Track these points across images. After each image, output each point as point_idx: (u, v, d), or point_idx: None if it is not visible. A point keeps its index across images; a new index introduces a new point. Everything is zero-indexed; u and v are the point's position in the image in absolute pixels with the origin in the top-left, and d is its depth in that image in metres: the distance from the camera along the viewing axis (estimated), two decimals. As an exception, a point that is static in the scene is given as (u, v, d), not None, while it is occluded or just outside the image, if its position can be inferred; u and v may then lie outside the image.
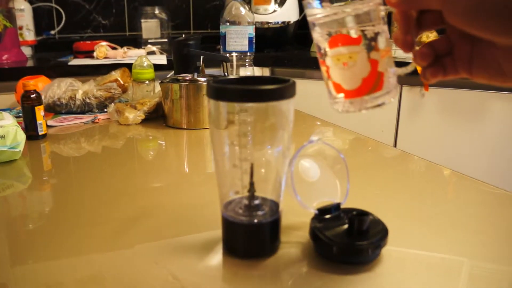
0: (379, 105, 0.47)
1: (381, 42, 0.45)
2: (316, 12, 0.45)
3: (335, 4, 0.44)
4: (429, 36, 1.91)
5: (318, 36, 0.46)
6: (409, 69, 0.49)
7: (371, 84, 0.45)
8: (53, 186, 0.78)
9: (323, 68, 0.48)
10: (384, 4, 0.44)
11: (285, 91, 0.45)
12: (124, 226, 0.60)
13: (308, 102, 1.72)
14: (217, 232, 0.55)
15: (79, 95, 1.21)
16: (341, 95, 0.47)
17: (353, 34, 0.44)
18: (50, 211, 0.69)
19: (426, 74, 0.45)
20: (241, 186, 0.48)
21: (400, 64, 0.50)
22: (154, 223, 0.61)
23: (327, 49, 0.46)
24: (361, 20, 0.44)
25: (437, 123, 1.67)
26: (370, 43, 0.45)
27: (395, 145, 1.74)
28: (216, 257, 0.52)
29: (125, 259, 0.52)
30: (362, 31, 0.44)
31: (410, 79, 1.67)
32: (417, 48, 0.46)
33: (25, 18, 1.98)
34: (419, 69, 0.47)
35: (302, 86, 1.92)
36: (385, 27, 0.46)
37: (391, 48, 0.48)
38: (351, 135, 1.07)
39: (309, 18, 0.47)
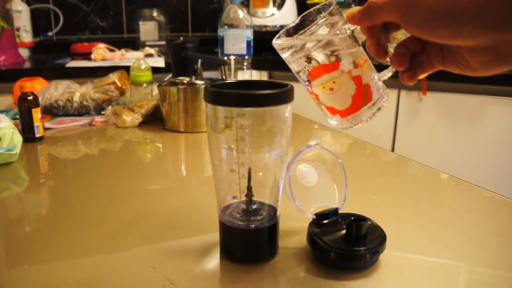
0: (376, 112, 0.48)
1: (357, 57, 0.46)
2: (285, 54, 0.46)
3: (299, 38, 0.45)
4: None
5: (297, 71, 0.47)
6: (390, 73, 0.50)
7: (361, 98, 0.47)
8: (50, 188, 0.78)
9: (312, 96, 0.49)
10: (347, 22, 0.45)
11: (283, 96, 0.45)
12: (121, 229, 0.60)
13: (305, 105, 1.72)
14: (214, 236, 0.54)
15: (76, 98, 1.21)
16: (337, 116, 0.48)
17: (328, 61, 0.45)
18: (46, 213, 0.68)
19: (404, 77, 0.47)
20: (238, 191, 0.48)
21: (381, 68, 0.51)
22: (151, 227, 0.61)
23: (310, 82, 0.47)
24: (330, 47, 0.45)
25: (435, 128, 1.68)
26: (347, 63, 0.46)
27: (393, 150, 1.75)
28: (213, 262, 0.52)
29: (122, 262, 0.52)
30: (336, 56, 0.45)
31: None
32: (392, 50, 0.46)
33: (22, 19, 1.98)
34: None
35: (300, 89, 1.92)
36: (356, 43, 0.47)
37: (367, 58, 0.49)
38: (349, 139, 1.07)
39: (283, 58, 0.48)
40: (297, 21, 0.47)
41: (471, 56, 0.40)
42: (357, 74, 0.45)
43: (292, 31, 0.47)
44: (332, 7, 0.45)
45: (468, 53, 0.40)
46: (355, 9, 0.44)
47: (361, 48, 0.48)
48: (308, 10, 0.49)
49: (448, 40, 0.38)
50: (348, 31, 0.46)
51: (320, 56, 0.45)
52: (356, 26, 0.45)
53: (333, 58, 0.45)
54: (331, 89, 0.46)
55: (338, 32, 0.44)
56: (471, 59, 0.40)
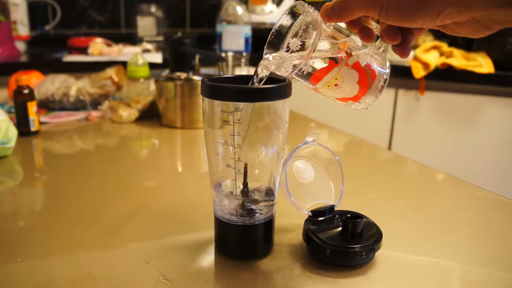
0: (385, 83, 0.49)
1: (348, 46, 0.46)
2: (279, 72, 0.46)
3: (286, 56, 0.44)
4: (426, 40, 1.91)
5: (300, 82, 0.47)
6: (382, 46, 0.49)
7: (366, 79, 0.47)
8: (44, 183, 0.77)
9: (322, 94, 0.49)
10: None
11: (280, 91, 0.44)
12: (116, 225, 0.59)
13: (303, 103, 1.72)
14: (210, 232, 0.54)
15: (72, 92, 1.20)
16: (350, 102, 0.48)
17: (324, 64, 0.45)
18: (41, 208, 0.68)
19: (397, 52, 0.46)
20: (234, 187, 0.48)
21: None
22: (146, 222, 0.60)
23: (314, 86, 0.47)
24: (321, 51, 0.45)
25: (432, 127, 1.68)
26: (342, 57, 0.45)
27: (389, 148, 1.75)
28: (208, 258, 0.52)
29: (117, 258, 0.52)
30: (328, 57, 0.45)
31: (405, 83, 1.67)
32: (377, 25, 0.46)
33: (19, 12, 1.96)
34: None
35: (298, 87, 1.92)
36: (341, 33, 0.46)
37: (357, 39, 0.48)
38: (346, 137, 1.06)
39: (285, 76, 0.47)
40: (275, 29, 0.46)
41: (456, 27, 0.41)
42: (354, 61, 0.45)
43: (276, 40, 0.46)
44: (306, 15, 0.44)
45: (452, 26, 0.41)
46: (328, 5, 0.42)
47: (348, 34, 0.47)
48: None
49: (428, 25, 0.39)
50: (330, 27, 0.45)
51: (314, 64, 0.45)
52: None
53: (327, 60, 0.45)
54: (336, 84, 0.46)
55: (321, 36, 0.43)
56: (456, 29, 0.41)
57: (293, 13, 0.45)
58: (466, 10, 0.36)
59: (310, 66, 0.44)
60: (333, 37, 0.45)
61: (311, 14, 0.43)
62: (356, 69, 0.46)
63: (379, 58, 0.48)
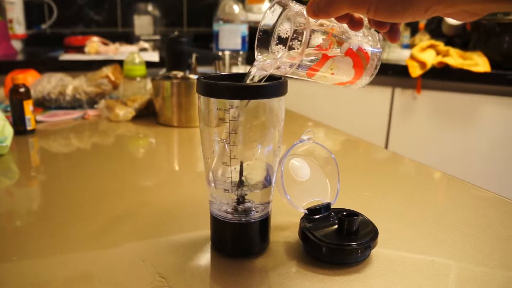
0: (379, 59, 0.49)
1: (338, 36, 0.46)
2: (279, 71, 0.46)
3: (281, 56, 0.44)
4: (422, 39, 1.92)
5: (296, 77, 0.47)
6: (372, 29, 0.49)
7: (361, 62, 0.47)
8: (40, 182, 0.77)
9: (321, 82, 0.49)
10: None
11: (276, 88, 0.44)
12: (113, 224, 0.59)
13: (300, 102, 1.72)
14: (206, 231, 0.54)
15: (69, 91, 1.20)
16: (348, 84, 0.49)
17: (317, 59, 0.45)
18: (37, 208, 0.68)
19: (387, 38, 0.46)
20: (230, 185, 0.48)
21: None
22: (143, 221, 0.60)
23: (311, 78, 0.47)
24: (313, 47, 0.44)
25: (429, 126, 1.68)
26: (333, 48, 0.45)
27: (386, 147, 1.75)
28: (204, 256, 0.51)
29: (113, 257, 0.52)
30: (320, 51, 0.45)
31: (402, 82, 1.67)
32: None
33: (15, 11, 1.95)
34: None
35: (295, 86, 1.92)
36: (328, 23, 0.46)
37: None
38: (343, 136, 1.06)
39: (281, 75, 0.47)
40: (262, 28, 0.46)
41: (445, 15, 0.41)
42: (346, 49, 0.46)
43: (265, 37, 0.45)
44: (292, 11, 0.44)
45: (441, 14, 0.41)
46: (313, 2, 0.42)
47: (334, 24, 0.46)
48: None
49: (417, 19, 0.39)
50: (317, 22, 0.45)
51: (307, 61, 0.45)
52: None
53: (320, 54, 0.45)
54: (332, 73, 0.47)
55: (311, 32, 0.43)
56: (446, 16, 0.41)
57: (278, 9, 0.44)
58: (452, 5, 0.36)
59: (305, 64, 0.44)
60: (321, 26, 0.45)
61: (295, 9, 0.43)
62: (350, 55, 0.46)
63: (370, 38, 0.48)
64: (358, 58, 0.47)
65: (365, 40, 0.48)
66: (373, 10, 0.39)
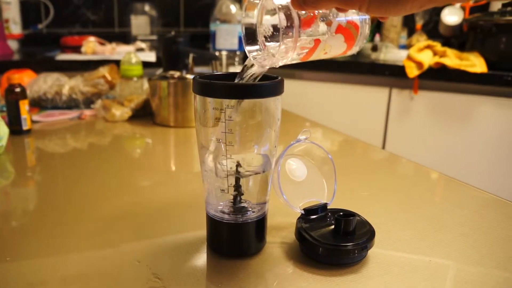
0: (368, 27, 0.49)
1: (325, 17, 0.45)
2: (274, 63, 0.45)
3: (274, 48, 0.43)
4: (419, 39, 1.92)
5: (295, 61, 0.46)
6: None
7: (351, 34, 0.47)
8: (36, 182, 0.77)
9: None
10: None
11: (273, 88, 0.44)
12: (109, 224, 0.59)
13: (297, 102, 1.72)
14: (202, 231, 0.54)
15: (65, 91, 1.20)
16: (341, 56, 0.50)
17: (310, 45, 0.44)
18: (33, 208, 0.67)
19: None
20: (226, 185, 0.47)
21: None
22: (139, 222, 0.60)
23: (308, 60, 0.47)
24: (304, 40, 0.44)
25: (426, 126, 1.68)
26: (324, 31, 0.44)
27: (383, 147, 1.75)
28: (200, 256, 0.51)
29: (109, 257, 0.51)
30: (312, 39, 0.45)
31: (399, 82, 1.67)
32: None
33: (11, 11, 1.95)
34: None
35: (292, 86, 1.92)
36: (311, 14, 0.44)
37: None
38: (340, 136, 1.06)
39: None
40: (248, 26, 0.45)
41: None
42: (336, 27, 0.45)
43: (252, 33, 0.45)
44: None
45: None
46: None
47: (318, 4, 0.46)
48: None
49: (413, 11, 0.39)
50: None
51: (300, 50, 0.44)
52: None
53: (312, 41, 0.44)
54: (325, 53, 0.47)
55: (300, 27, 0.42)
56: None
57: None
58: None
59: (297, 54, 0.44)
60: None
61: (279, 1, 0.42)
62: (340, 32, 0.46)
63: (355, 12, 0.47)
64: (348, 32, 0.46)
65: (352, 12, 0.47)
66: (365, 8, 0.38)
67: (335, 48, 0.47)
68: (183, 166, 0.89)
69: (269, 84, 0.44)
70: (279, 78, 0.45)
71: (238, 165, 0.46)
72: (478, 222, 0.62)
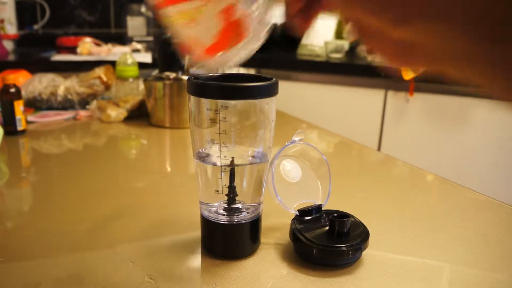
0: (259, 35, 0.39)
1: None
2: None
3: None
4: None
5: None
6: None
7: (232, 32, 0.37)
8: (31, 183, 0.76)
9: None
10: None
11: (267, 89, 0.44)
12: (103, 225, 0.59)
13: (293, 104, 1.72)
14: (197, 232, 0.54)
15: (60, 91, 1.19)
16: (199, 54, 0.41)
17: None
18: (27, 208, 0.67)
19: (295, 21, 0.36)
20: (220, 185, 0.47)
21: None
22: (134, 223, 0.60)
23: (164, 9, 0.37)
24: None
25: (421, 128, 1.69)
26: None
27: (379, 149, 1.75)
28: (195, 257, 0.51)
29: (103, 258, 0.51)
30: None
31: (394, 85, 1.68)
32: None
33: (7, 11, 1.94)
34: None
35: (288, 88, 1.92)
36: None
37: None
38: (336, 138, 1.06)
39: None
40: None
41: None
42: (224, 5, 0.35)
43: None
44: None
45: None
46: None
47: None
48: None
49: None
50: None
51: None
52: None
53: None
54: (185, 23, 0.36)
55: None
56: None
57: None
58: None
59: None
60: None
61: None
62: (224, 14, 0.35)
63: (263, 9, 0.38)
64: (233, 25, 0.36)
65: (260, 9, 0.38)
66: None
67: (202, 29, 0.37)
68: (178, 167, 0.88)
69: (264, 85, 0.44)
70: (274, 79, 0.45)
71: (233, 160, 0.46)
72: (473, 224, 0.62)
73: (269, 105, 0.46)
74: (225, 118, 0.43)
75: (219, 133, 0.44)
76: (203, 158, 0.48)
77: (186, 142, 1.02)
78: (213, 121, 0.44)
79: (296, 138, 0.53)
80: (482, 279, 0.49)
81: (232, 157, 0.46)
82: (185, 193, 0.71)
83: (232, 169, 0.46)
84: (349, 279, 0.47)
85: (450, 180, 0.77)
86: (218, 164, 0.46)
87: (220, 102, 0.43)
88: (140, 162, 0.90)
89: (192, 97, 0.45)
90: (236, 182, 0.47)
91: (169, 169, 0.88)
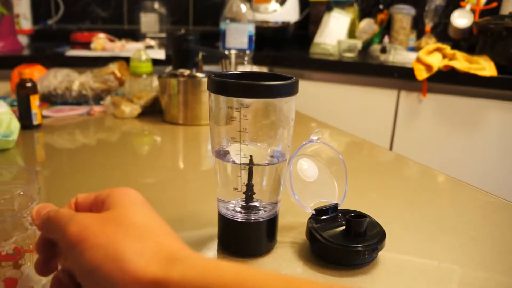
0: None
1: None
2: None
3: None
4: (428, 42, 1.91)
5: None
6: None
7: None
8: (45, 177, 0.77)
9: None
10: None
11: (289, 88, 0.44)
12: (118, 220, 0.59)
13: (306, 103, 1.72)
14: (212, 229, 0.54)
15: (75, 86, 1.20)
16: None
17: None
18: (39, 203, 0.68)
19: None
20: (239, 183, 0.48)
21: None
22: (148, 218, 0.60)
23: None
24: None
25: (434, 129, 1.68)
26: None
27: (391, 149, 1.74)
28: (210, 255, 0.51)
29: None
30: None
31: (407, 84, 1.67)
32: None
33: (22, 6, 1.95)
34: None
35: (301, 86, 1.91)
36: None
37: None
38: (348, 137, 1.06)
39: None
40: None
41: None
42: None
43: None
44: None
45: None
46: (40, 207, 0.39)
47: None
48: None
49: None
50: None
51: None
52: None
53: None
54: None
55: None
56: None
57: None
58: None
59: None
60: None
61: None
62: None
63: None
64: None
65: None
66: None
67: None
68: (192, 164, 0.89)
69: (285, 84, 0.44)
70: (294, 78, 0.45)
71: (251, 159, 0.46)
72: (487, 226, 0.61)
73: (288, 104, 0.46)
74: (245, 116, 0.44)
75: (240, 131, 0.44)
76: (222, 155, 0.48)
77: (200, 139, 1.02)
78: (233, 119, 0.44)
79: (313, 137, 0.53)
80: (497, 283, 0.48)
81: (251, 155, 0.46)
82: (199, 190, 0.72)
83: (250, 167, 0.47)
84: (365, 279, 0.47)
85: (462, 181, 0.77)
86: (238, 162, 0.46)
87: (241, 100, 0.43)
88: (153, 159, 0.91)
89: (212, 95, 0.45)
90: (254, 181, 0.48)
91: (182, 166, 0.88)
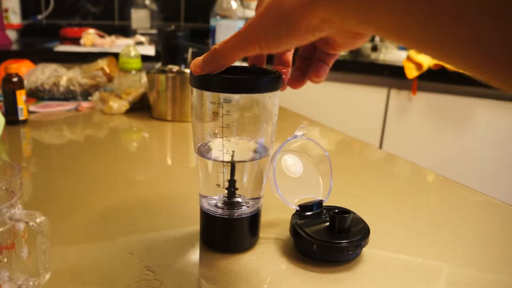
0: None
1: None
2: None
3: None
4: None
5: None
6: None
7: None
8: (31, 173, 0.76)
9: None
10: None
11: (271, 82, 0.44)
12: (103, 217, 0.59)
13: (295, 100, 1.71)
14: (196, 226, 0.53)
15: (63, 82, 1.19)
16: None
17: None
18: (27, 199, 0.67)
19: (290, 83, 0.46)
20: (222, 179, 0.47)
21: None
22: (134, 216, 0.60)
23: None
24: None
25: (423, 128, 1.68)
26: None
27: (380, 148, 1.75)
28: (193, 251, 0.51)
29: (102, 250, 0.51)
30: None
31: (398, 82, 1.67)
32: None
33: (11, 0, 1.94)
34: None
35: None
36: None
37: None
38: (337, 135, 1.06)
39: None
40: None
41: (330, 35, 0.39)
42: None
43: None
44: None
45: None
46: (198, 59, 0.41)
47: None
48: None
49: (303, 40, 0.35)
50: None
51: None
52: None
53: None
54: None
55: None
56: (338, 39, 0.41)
57: None
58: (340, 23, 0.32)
59: None
60: None
61: None
62: None
63: None
64: None
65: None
66: (263, 41, 0.35)
67: None
68: (179, 160, 0.88)
69: (268, 79, 0.43)
70: (277, 73, 0.45)
71: (233, 155, 0.46)
72: (473, 224, 0.62)
73: (272, 99, 0.45)
74: (228, 112, 0.43)
75: (222, 127, 0.44)
76: (204, 152, 0.47)
77: (188, 135, 1.02)
78: (216, 114, 0.44)
79: (298, 133, 0.52)
80: (482, 279, 0.48)
81: (233, 151, 0.46)
82: (186, 186, 0.71)
83: (233, 163, 0.46)
84: (349, 275, 0.47)
85: (451, 179, 0.77)
86: (220, 158, 0.46)
87: (223, 95, 0.43)
88: (141, 155, 0.90)
89: (194, 90, 0.45)
90: (237, 176, 0.47)
91: (170, 162, 0.88)
